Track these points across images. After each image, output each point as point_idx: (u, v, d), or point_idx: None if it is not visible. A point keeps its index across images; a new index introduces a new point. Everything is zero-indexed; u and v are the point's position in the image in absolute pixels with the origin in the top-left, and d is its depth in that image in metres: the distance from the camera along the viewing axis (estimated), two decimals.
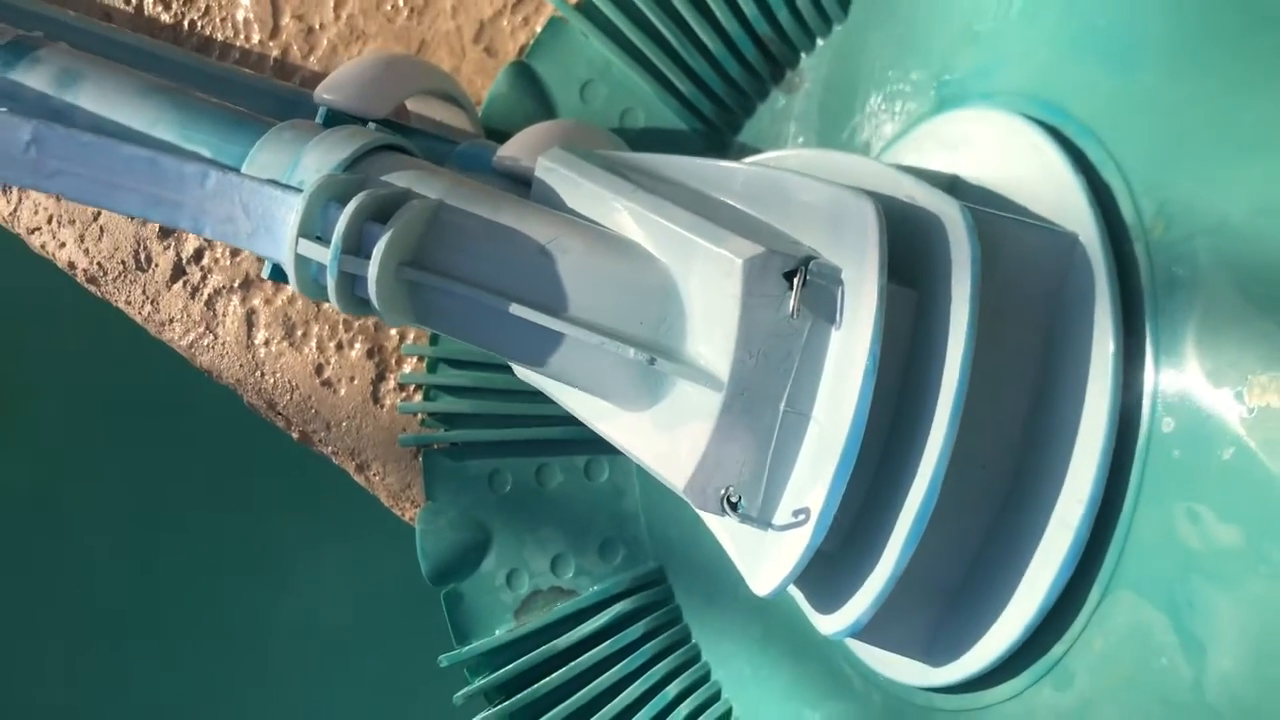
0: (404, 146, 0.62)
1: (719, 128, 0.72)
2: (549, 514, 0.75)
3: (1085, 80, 0.50)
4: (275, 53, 0.86)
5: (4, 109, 0.61)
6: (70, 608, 1.23)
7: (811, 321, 0.49)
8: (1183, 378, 0.43)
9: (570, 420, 0.60)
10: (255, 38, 0.86)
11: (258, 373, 0.86)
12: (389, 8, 0.82)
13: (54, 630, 1.23)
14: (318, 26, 0.85)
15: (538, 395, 0.62)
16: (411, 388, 0.80)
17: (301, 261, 0.56)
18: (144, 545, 1.11)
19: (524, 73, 0.77)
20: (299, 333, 0.85)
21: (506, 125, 0.77)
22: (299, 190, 0.56)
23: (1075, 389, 0.46)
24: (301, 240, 0.55)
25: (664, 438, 0.53)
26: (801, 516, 0.49)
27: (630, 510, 0.74)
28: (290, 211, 0.56)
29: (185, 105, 0.65)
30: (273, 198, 0.57)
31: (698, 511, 0.53)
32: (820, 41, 0.67)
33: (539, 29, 0.77)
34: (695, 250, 0.51)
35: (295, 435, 0.86)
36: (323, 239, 0.55)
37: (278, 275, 0.63)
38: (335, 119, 0.66)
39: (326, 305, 0.62)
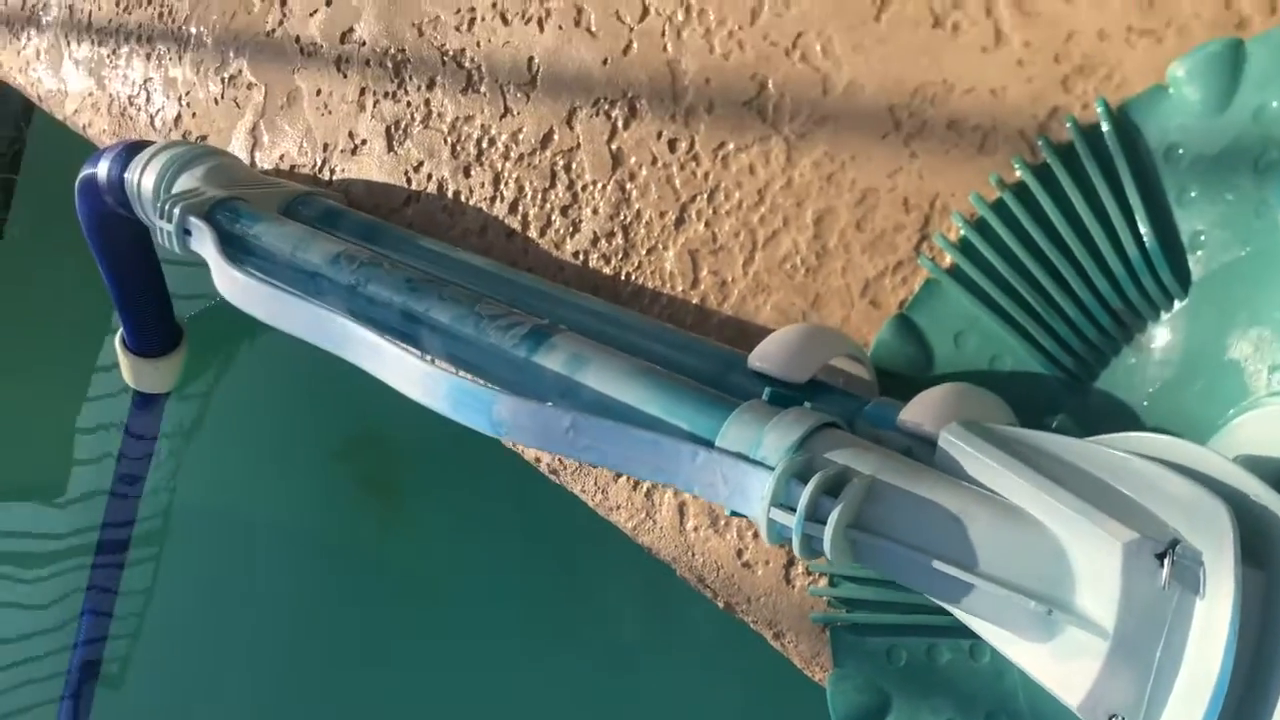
0: (837, 423, 0.82)
1: (1079, 376, 0.87)
2: (939, 687, 0.93)
3: None
4: (695, 300, 1.09)
5: (550, 403, 0.86)
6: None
7: (1180, 591, 0.64)
8: None
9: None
10: (679, 287, 1.10)
11: (689, 553, 1.08)
12: (789, 267, 1.03)
13: None
14: (729, 280, 1.07)
15: None
16: (818, 574, 1.00)
17: (772, 523, 0.77)
18: (571, 684, 1.36)
19: (905, 323, 0.96)
20: (722, 522, 1.07)
21: (892, 367, 0.96)
22: (767, 467, 0.78)
23: None
24: (773, 509, 0.76)
25: (1058, 667, 0.70)
26: None
27: (1011, 690, 0.89)
28: (760, 484, 0.77)
29: (666, 388, 0.88)
30: (746, 472, 0.79)
31: None
32: (1164, 314, 0.82)
33: (916, 287, 0.96)
34: (1080, 527, 0.68)
35: (721, 605, 1.07)
36: (786, 505, 0.76)
37: (737, 514, 0.85)
38: (777, 395, 0.87)
39: None
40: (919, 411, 0.84)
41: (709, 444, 0.82)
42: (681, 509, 1.09)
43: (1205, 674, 0.63)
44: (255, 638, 1.91)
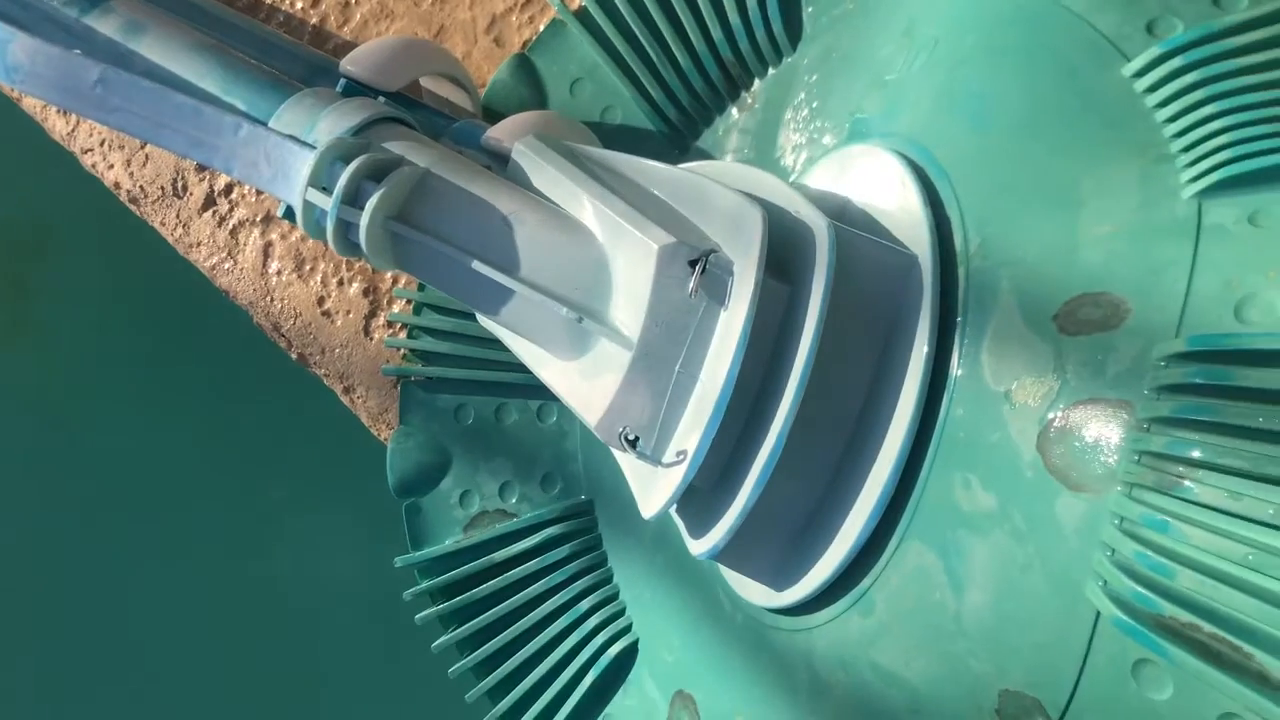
0: (405, 119, 0.73)
1: (682, 132, 0.83)
2: (502, 447, 0.87)
3: (951, 132, 0.61)
4: (314, 20, 0.98)
5: (78, 50, 0.73)
6: (68, 498, 1.35)
7: (706, 302, 0.61)
8: (974, 376, 0.55)
9: (529, 369, 0.72)
10: (298, 4, 0.98)
11: (268, 297, 0.98)
12: None
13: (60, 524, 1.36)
14: (354, 1, 0.96)
15: (504, 345, 0.74)
16: (398, 326, 0.93)
17: (308, 206, 0.68)
18: (147, 440, 1.23)
19: (524, 64, 0.88)
20: (307, 267, 0.97)
21: (504, 108, 0.89)
22: (313, 147, 0.68)
23: (897, 377, 0.57)
24: (310, 189, 0.67)
25: (585, 384, 0.65)
26: (681, 457, 0.61)
27: (571, 450, 0.85)
28: (304, 164, 0.68)
29: (229, 64, 0.77)
30: (291, 151, 0.69)
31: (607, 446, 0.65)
32: (771, 70, 0.79)
33: (542, 27, 0.89)
34: (624, 234, 0.63)
35: (294, 356, 0.98)
36: (327, 190, 0.67)
37: (289, 216, 0.75)
38: (354, 90, 0.77)
39: None
40: (505, 130, 0.77)
41: (259, 122, 0.72)
42: (267, 250, 0.99)
43: (716, 387, 0.60)
44: None
